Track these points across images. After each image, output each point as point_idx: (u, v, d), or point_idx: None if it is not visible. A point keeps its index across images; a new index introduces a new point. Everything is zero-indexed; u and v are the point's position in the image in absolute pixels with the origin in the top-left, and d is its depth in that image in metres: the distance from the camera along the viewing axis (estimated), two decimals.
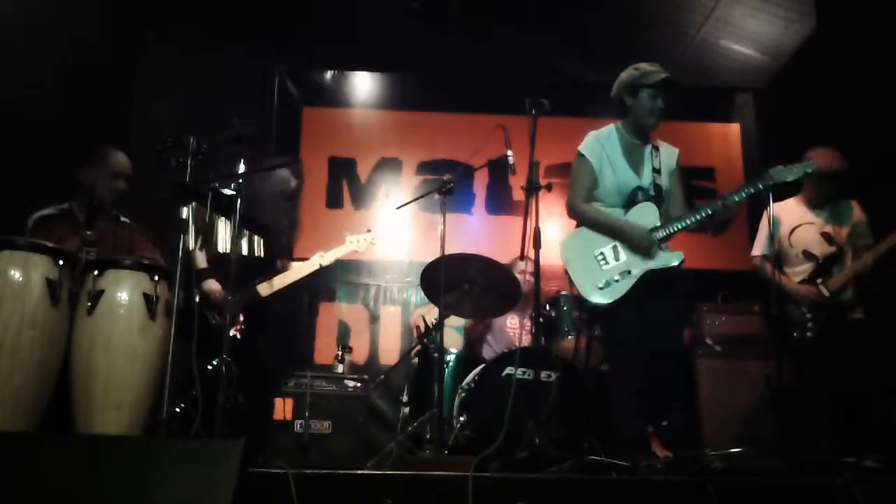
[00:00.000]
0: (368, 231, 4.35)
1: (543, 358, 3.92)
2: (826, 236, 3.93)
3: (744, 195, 3.22)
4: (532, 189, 3.19)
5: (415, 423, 4.18)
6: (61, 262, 2.82)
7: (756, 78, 6.14)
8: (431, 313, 4.59)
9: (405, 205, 4.77)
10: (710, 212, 3.21)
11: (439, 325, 3.76)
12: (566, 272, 3.30)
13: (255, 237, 3.65)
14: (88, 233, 3.29)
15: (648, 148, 3.39)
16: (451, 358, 4.53)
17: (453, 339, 5.00)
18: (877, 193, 4.20)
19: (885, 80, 4.53)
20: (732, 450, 4.11)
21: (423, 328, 4.49)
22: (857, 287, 3.85)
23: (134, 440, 2.67)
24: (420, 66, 6.21)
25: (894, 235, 3.76)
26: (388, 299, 5.70)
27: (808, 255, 3.92)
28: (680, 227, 3.27)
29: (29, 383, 2.67)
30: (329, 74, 6.09)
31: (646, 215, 3.29)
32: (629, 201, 3.31)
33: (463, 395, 4.15)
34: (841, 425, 3.75)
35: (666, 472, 2.85)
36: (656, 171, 3.30)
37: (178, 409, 3.02)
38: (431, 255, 4.05)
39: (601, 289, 3.19)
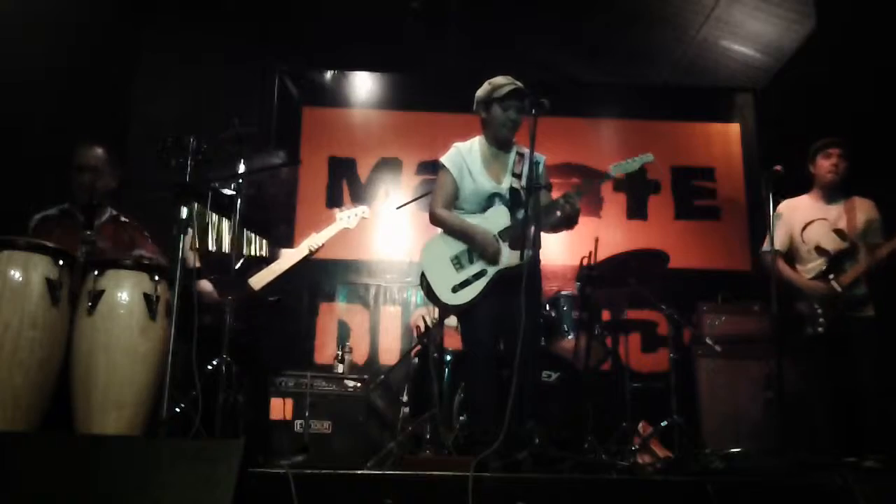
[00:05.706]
0: (357, 205, 4.25)
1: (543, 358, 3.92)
2: (839, 232, 3.92)
3: (583, 191, 3.45)
4: (532, 189, 3.21)
5: (415, 423, 4.17)
6: (61, 262, 2.82)
7: (756, 78, 6.14)
8: (431, 313, 4.59)
9: (405, 205, 4.78)
10: (554, 206, 3.37)
11: (439, 325, 3.75)
12: (423, 276, 3.39)
13: (257, 237, 3.65)
14: (88, 232, 3.29)
15: (512, 155, 3.51)
16: (450, 358, 4.53)
17: (453, 339, 5.00)
18: (876, 193, 4.20)
19: (885, 80, 4.53)
20: (732, 450, 4.13)
21: (423, 328, 4.49)
22: (869, 282, 3.83)
23: (134, 440, 2.66)
24: (420, 66, 6.20)
25: None
26: (388, 299, 5.69)
27: (820, 250, 3.91)
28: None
29: (29, 383, 2.67)
30: (329, 74, 6.09)
31: (497, 218, 3.40)
32: (486, 207, 3.43)
33: (463, 395, 4.15)
34: (841, 425, 3.75)
35: (666, 472, 2.85)
36: (516, 175, 3.43)
37: (178, 409, 3.02)
38: None
39: (455, 291, 3.31)
